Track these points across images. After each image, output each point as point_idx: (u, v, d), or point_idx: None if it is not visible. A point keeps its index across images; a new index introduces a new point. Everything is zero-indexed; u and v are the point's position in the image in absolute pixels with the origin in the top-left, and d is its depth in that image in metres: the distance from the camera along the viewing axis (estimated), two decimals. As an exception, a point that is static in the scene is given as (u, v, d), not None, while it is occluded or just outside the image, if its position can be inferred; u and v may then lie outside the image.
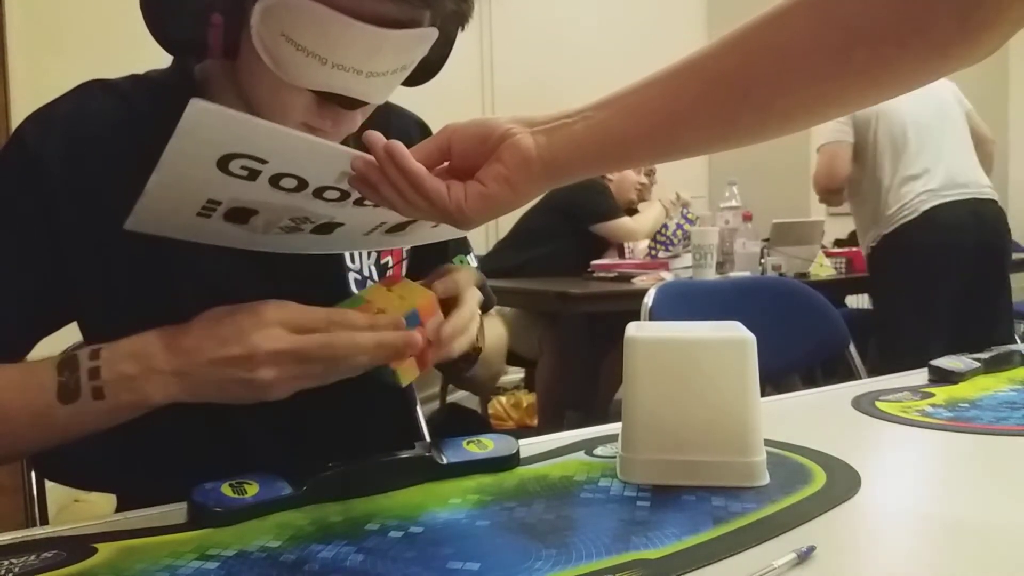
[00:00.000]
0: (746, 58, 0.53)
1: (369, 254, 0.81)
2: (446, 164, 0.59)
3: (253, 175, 0.57)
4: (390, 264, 0.84)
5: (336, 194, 0.61)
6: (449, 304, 0.69)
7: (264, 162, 0.56)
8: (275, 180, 0.58)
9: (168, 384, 0.60)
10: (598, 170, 0.60)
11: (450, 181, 0.57)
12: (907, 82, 0.52)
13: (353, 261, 0.80)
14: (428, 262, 0.90)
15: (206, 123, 0.52)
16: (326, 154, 0.57)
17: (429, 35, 0.67)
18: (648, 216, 2.98)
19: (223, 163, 0.56)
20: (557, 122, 0.57)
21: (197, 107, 0.51)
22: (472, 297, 0.71)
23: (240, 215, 0.63)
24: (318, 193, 0.61)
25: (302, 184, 0.59)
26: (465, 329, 0.68)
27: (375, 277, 0.82)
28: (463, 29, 0.73)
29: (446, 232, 0.73)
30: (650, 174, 3.12)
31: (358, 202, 0.62)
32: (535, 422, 2.77)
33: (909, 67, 0.51)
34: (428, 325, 0.64)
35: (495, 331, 0.87)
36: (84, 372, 0.60)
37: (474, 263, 0.95)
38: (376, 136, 0.57)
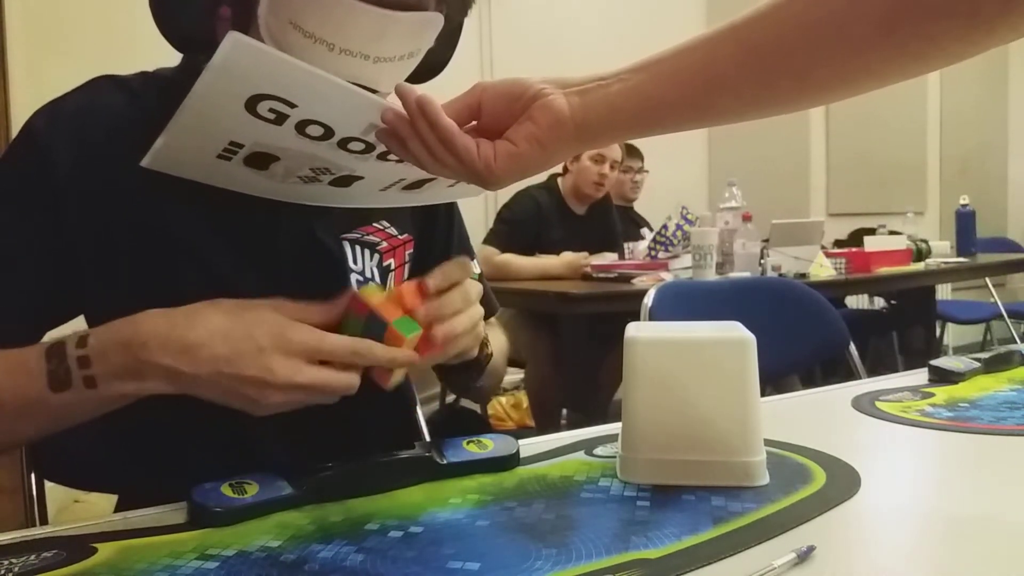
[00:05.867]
0: (785, 28, 0.52)
1: (372, 256, 0.81)
2: (475, 123, 0.58)
3: (280, 119, 0.57)
4: (392, 267, 0.84)
5: (361, 146, 0.61)
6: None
7: (293, 106, 0.56)
8: (301, 126, 0.58)
9: (160, 377, 0.59)
10: (631, 134, 0.59)
11: (479, 139, 0.56)
12: (950, 56, 0.51)
13: (355, 262, 0.80)
14: (431, 264, 0.90)
15: (241, 58, 0.52)
16: (357, 103, 0.57)
17: (435, 20, 0.67)
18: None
19: (251, 104, 0.55)
20: (591, 83, 0.56)
21: (233, 40, 0.50)
22: (470, 288, 0.68)
23: (261, 160, 0.62)
24: (343, 144, 0.60)
25: (328, 133, 0.59)
26: (458, 305, 0.65)
27: (377, 279, 0.81)
28: (467, 15, 0.73)
29: (462, 191, 0.73)
30: (614, 167, 2.93)
31: (381, 156, 0.62)
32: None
33: (952, 41, 0.50)
34: (418, 312, 0.62)
35: (498, 339, 0.87)
36: (73, 361, 0.59)
37: (477, 269, 0.95)
38: (408, 88, 0.56)
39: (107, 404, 0.61)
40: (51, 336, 0.69)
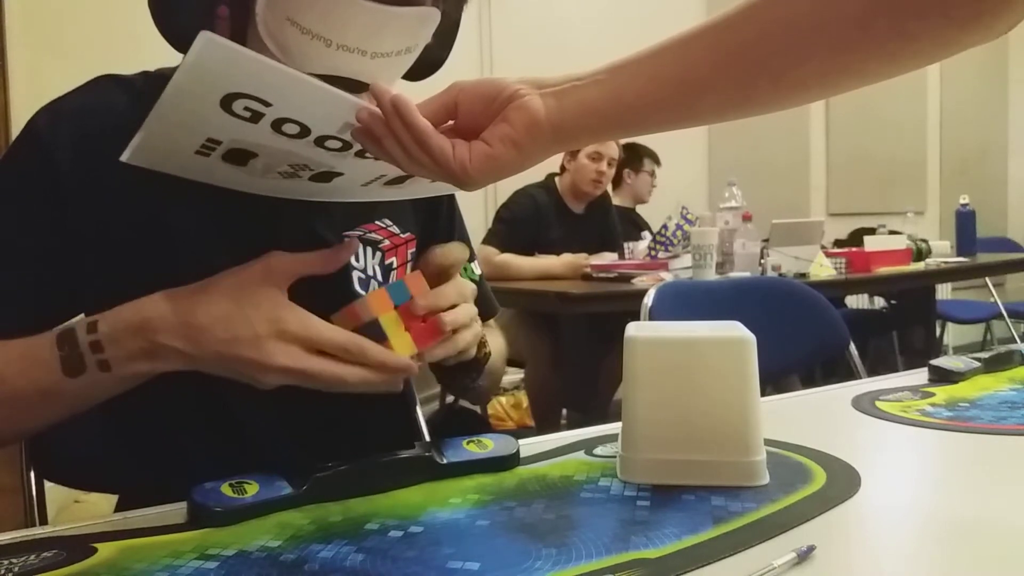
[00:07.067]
0: (763, 28, 0.52)
1: (374, 254, 0.81)
2: (451, 123, 0.58)
3: (256, 117, 0.57)
4: (394, 265, 0.84)
5: (338, 144, 0.61)
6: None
7: (268, 105, 0.56)
8: (277, 125, 0.58)
9: (173, 357, 0.60)
10: (608, 135, 0.59)
11: (455, 140, 0.56)
12: (926, 56, 0.51)
13: (357, 260, 0.80)
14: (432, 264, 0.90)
15: (213, 58, 0.52)
16: (332, 102, 0.57)
17: (431, 15, 0.68)
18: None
19: (226, 102, 0.55)
20: (567, 84, 0.56)
21: (205, 40, 0.50)
22: (464, 285, 0.70)
23: (239, 156, 0.62)
24: (320, 142, 0.60)
25: (304, 131, 0.59)
26: (454, 298, 0.66)
27: (379, 276, 0.82)
28: (463, 11, 0.74)
29: (445, 187, 0.73)
30: (611, 164, 2.87)
31: (359, 154, 0.62)
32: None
33: (928, 40, 0.50)
34: (418, 299, 0.63)
35: (497, 341, 0.87)
36: (85, 346, 0.60)
37: (478, 271, 0.95)
38: (383, 88, 0.56)
39: (122, 384, 0.62)
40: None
